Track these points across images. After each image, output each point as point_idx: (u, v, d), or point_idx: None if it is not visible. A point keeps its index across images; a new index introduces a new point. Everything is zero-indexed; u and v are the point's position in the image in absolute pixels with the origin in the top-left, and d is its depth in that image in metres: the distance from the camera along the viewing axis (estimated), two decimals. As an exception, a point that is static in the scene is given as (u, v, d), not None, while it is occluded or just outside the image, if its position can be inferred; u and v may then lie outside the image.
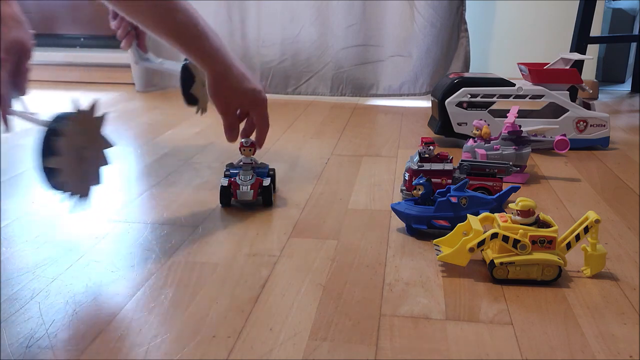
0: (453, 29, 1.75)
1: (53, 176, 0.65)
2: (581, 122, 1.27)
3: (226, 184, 0.92)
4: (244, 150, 0.94)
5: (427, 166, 0.92)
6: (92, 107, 0.71)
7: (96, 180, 0.74)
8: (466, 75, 1.33)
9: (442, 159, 0.95)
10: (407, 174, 0.94)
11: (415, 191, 0.84)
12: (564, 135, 1.11)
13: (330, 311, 0.63)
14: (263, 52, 1.85)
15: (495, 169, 0.94)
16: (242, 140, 0.94)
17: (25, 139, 1.35)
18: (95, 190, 0.74)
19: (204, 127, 1.46)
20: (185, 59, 1.07)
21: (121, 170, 1.14)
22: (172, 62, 1.16)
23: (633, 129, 1.48)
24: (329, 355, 0.56)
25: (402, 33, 1.78)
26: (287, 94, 1.87)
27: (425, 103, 1.72)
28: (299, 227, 0.85)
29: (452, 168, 0.92)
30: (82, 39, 2.19)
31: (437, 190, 0.84)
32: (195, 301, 0.65)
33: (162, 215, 0.90)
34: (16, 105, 0.73)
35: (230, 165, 0.96)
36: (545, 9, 1.86)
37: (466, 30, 1.77)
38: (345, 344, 0.57)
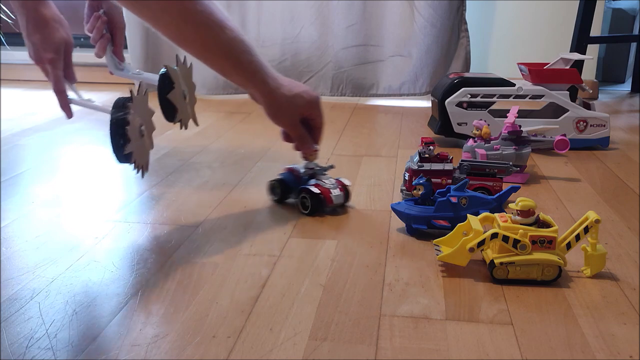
0: (453, 29, 1.75)
1: (123, 152, 0.77)
2: (581, 122, 1.27)
3: (318, 192, 0.89)
4: (311, 155, 0.92)
5: (427, 166, 0.91)
6: (145, 93, 0.81)
7: (151, 145, 0.84)
8: (466, 75, 1.33)
9: (442, 159, 0.95)
10: (407, 174, 0.94)
11: (415, 191, 0.84)
12: (564, 135, 1.11)
13: (330, 311, 0.63)
14: (263, 52, 1.82)
15: (495, 169, 0.94)
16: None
17: (25, 139, 1.35)
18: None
19: (204, 127, 1.47)
20: (165, 66, 0.91)
21: (121, 170, 1.14)
22: (150, 73, 0.99)
23: (633, 129, 1.48)
24: (329, 355, 0.56)
25: (402, 33, 1.78)
26: (287, 94, 1.87)
27: (425, 103, 1.72)
28: (299, 227, 0.85)
29: (452, 168, 0.92)
30: (82, 39, 2.19)
31: (437, 190, 0.84)
32: (195, 301, 0.65)
33: (162, 215, 0.90)
34: (71, 94, 0.88)
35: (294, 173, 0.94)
36: (545, 9, 1.86)
37: (466, 30, 1.77)
38: (345, 344, 0.57)
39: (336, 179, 0.92)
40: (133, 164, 0.79)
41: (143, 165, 0.82)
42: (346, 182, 0.92)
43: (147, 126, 0.83)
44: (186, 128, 0.93)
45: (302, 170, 0.93)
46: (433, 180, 0.90)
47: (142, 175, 0.83)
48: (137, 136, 0.78)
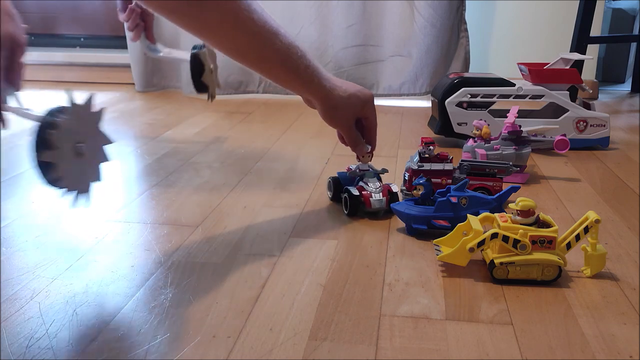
0: (453, 29, 1.75)
1: (49, 171, 0.62)
2: (581, 122, 1.27)
3: (357, 193, 0.88)
4: (364, 157, 0.91)
5: (427, 166, 0.91)
6: (88, 101, 0.68)
7: (95, 176, 0.71)
8: (466, 75, 1.33)
9: (442, 159, 0.95)
10: (407, 174, 0.94)
11: (415, 191, 0.84)
12: (564, 135, 1.11)
13: (330, 311, 0.63)
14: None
15: (495, 169, 0.94)
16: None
17: (25, 139, 1.35)
18: (94, 187, 0.71)
19: (204, 127, 1.47)
20: (194, 48, 1.09)
21: (121, 170, 1.14)
22: (181, 51, 1.18)
23: (633, 129, 1.48)
24: (329, 355, 0.56)
25: (402, 33, 1.78)
26: (287, 94, 1.87)
27: (425, 103, 1.72)
28: (299, 227, 0.85)
29: (452, 168, 0.92)
30: (82, 39, 2.19)
31: (437, 190, 0.84)
32: (195, 301, 0.65)
33: (162, 215, 0.90)
34: (11, 101, 0.70)
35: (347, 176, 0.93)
36: (545, 9, 1.86)
37: (466, 30, 1.76)
38: (345, 344, 0.57)
39: (385, 184, 0.90)
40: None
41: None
42: (394, 188, 0.91)
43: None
44: (214, 98, 1.14)
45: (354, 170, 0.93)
46: (433, 180, 0.90)
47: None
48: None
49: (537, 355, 0.56)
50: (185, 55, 1.11)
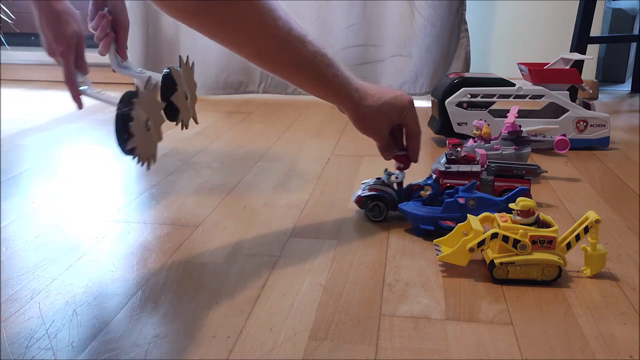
0: (453, 29, 1.75)
1: (128, 148, 0.74)
2: (581, 122, 1.27)
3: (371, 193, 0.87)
4: (399, 167, 0.88)
5: (454, 168, 0.90)
6: (153, 87, 0.79)
7: (159, 137, 0.82)
8: (466, 75, 1.33)
9: (469, 160, 0.93)
10: (434, 176, 0.92)
11: (423, 192, 0.84)
12: (564, 135, 1.11)
13: (330, 311, 0.63)
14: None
15: (523, 171, 0.93)
16: (399, 153, 0.88)
17: (25, 139, 1.35)
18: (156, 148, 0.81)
19: (204, 127, 1.47)
20: (167, 68, 0.91)
21: (121, 170, 1.14)
22: (154, 72, 0.98)
23: (633, 129, 1.48)
24: (329, 355, 0.56)
25: (402, 33, 1.78)
26: (287, 94, 1.88)
27: (425, 103, 1.72)
28: (299, 227, 0.85)
29: (479, 169, 0.91)
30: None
31: (445, 191, 0.83)
32: (195, 301, 0.65)
33: (162, 215, 0.90)
34: (83, 85, 0.90)
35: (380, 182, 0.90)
36: (545, 9, 1.86)
37: (466, 30, 1.76)
38: (345, 344, 0.57)
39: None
40: (137, 158, 0.79)
41: (149, 158, 0.83)
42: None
43: (155, 120, 0.82)
44: (187, 128, 0.92)
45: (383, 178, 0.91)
46: (461, 181, 0.89)
47: (148, 168, 0.83)
48: (142, 131, 0.78)
49: (537, 355, 0.56)
50: (158, 77, 0.91)
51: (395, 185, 0.89)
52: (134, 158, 0.78)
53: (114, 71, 0.99)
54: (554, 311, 0.63)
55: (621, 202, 0.97)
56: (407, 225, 0.85)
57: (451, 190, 0.83)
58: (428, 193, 0.83)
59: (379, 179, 0.90)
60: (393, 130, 0.85)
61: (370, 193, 0.87)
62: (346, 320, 0.61)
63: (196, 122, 0.95)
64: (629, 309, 0.64)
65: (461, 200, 0.80)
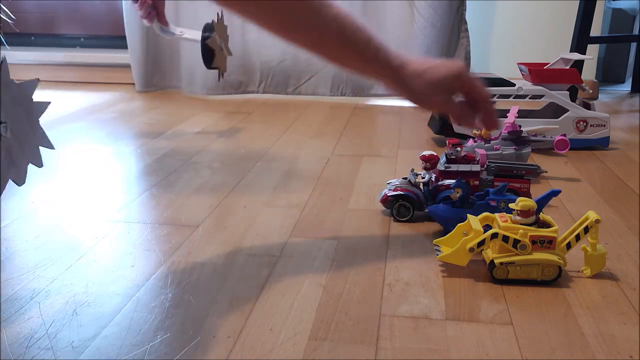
0: (453, 29, 1.75)
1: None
2: (581, 122, 1.27)
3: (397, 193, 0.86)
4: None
5: (454, 167, 0.90)
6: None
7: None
8: (466, 75, 1.33)
9: (469, 160, 0.93)
10: (434, 175, 0.92)
11: (453, 194, 0.83)
12: (564, 135, 1.11)
13: (330, 311, 0.63)
14: (263, 52, 1.84)
15: (523, 171, 0.93)
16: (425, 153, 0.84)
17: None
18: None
19: (204, 127, 1.47)
20: (205, 29, 1.25)
21: (121, 170, 1.14)
22: (193, 31, 1.30)
23: (633, 129, 1.48)
24: (329, 355, 0.56)
25: (402, 33, 1.78)
26: (287, 94, 1.88)
27: (425, 103, 1.72)
28: (299, 227, 0.85)
29: (479, 169, 0.91)
30: (82, 39, 2.19)
31: (475, 194, 0.83)
32: (195, 301, 0.65)
33: (162, 215, 0.90)
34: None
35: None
36: (545, 9, 1.85)
37: (466, 30, 1.76)
38: (345, 344, 0.57)
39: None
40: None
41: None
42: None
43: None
44: (223, 77, 1.31)
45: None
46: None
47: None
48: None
49: (537, 355, 0.56)
50: (197, 36, 1.26)
51: (421, 186, 0.89)
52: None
53: (159, 35, 1.34)
54: (554, 311, 0.63)
55: (621, 202, 0.97)
56: (408, 225, 0.85)
57: (481, 193, 0.83)
58: (458, 195, 0.83)
59: (405, 178, 0.90)
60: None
61: (396, 193, 0.87)
62: (346, 320, 0.61)
63: (230, 54, 1.33)
64: (629, 309, 0.64)
65: (492, 203, 0.80)
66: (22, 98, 0.62)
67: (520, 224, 0.69)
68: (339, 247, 0.79)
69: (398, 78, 0.70)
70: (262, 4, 0.65)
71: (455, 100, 0.73)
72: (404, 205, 0.87)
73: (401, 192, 0.87)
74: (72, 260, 0.74)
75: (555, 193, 0.82)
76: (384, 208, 0.91)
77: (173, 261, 0.74)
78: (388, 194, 0.88)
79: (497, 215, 0.72)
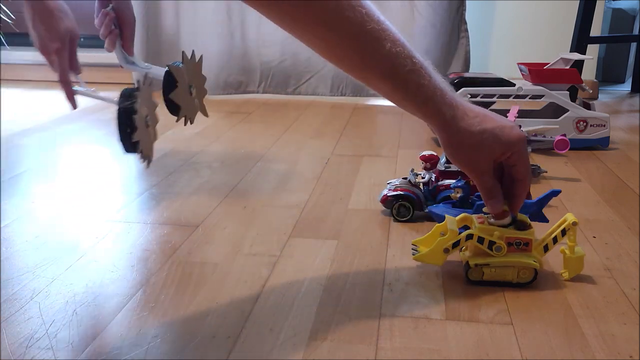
0: (453, 29, 1.75)
1: (131, 143, 0.74)
2: (581, 122, 1.27)
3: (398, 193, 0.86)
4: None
5: (453, 167, 0.90)
6: (150, 83, 0.81)
7: (155, 137, 0.82)
8: (466, 75, 1.33)
9: None
10: (433, 175, 0.92)
11: (453, 194, 0.83)
12: (564, 135, 1.11)
13: (330, 311, 0.63)
14: (263, 52, 1.84)
15: None
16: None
17: (25, 139, 1.35)
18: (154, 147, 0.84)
19: (204, 127, 1.47)
20: (167, 65, 0.89)
21: (121, 170, 1.14)
22: (160, 67, 0.99)
23: (633, 129, 1.48)
24: (329, 355, 0.56)
25: (402, 33, 1.75)
26: (287, 94, 1.88)
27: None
28: (299, 227, 0.85)
29: None
30: (82, 39, 2.18)
31: (475, 194, 0.82)
32: (195, 301, 0.65)
33: (162, 215, 0.90)
34: (76, 84, 0.92)
35: None
36: (545, 9, 1.85)
37: (466, 30, 1.76)
38: (345, 344, 0.57)
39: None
40: (140, 154, 0.78)
41: (149, 155, 0.82)
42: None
43: (152, 117, 0.81)
44: (192, 122, 0.91)
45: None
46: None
47: (147, 165, 0.81)
48: (143, 126, 0.78)
49: (537, 355, 0.56)
50: (162, 73, 0.90)
51: (421, 186, 0.89)
52: (138, 153, 0.77)
53: (121, 67, 0.99)
54: (554, 311, 0.63)
55: (621, 202, 0.97)
56: (408, 225, 0.85)
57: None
58: (459, 195, 0.82)
59: (405, 178, 0.90)
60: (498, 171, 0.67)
61: (396, 193, 0.87)
62: (346, 320, 0.61)
63: (206, 116, 0.95)
64: (629, 309, 0.64)
65: None
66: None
67: (498, 225, 0.68)
68: (339, 247, 0.79)
69: (446, 132, 0.64)
70: (310, 32, 0.62)
71: (491, 174, 0.66)
72: (404, 205, 0.87)
73: (401, 192, 0.87)
74: (72, 260, 0.74)
75: (555, 193, 0.82)
76: (384, 208, 0.91)
77: (173, 261, 0.74)
78: (388, 194, 0.88)
79: (474, 216, 0.71)
